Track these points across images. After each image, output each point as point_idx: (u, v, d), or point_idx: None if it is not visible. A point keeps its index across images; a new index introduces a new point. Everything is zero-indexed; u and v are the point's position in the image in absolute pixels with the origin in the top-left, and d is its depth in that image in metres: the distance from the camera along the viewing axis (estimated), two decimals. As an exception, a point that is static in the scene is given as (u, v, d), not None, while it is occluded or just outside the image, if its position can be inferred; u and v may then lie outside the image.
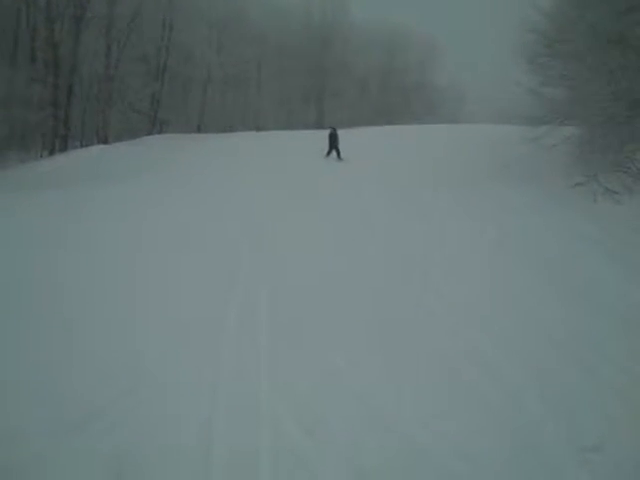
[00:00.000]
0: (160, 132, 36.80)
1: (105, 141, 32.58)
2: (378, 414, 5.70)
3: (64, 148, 31.29)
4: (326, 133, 24.26)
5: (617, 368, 6.45)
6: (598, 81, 14.84)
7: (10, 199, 15.67)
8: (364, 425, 5.52)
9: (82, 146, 31.94)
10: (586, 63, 15.38)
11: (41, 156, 30.82)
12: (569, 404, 5.80)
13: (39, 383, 6.17)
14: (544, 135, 16.75)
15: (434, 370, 6.53)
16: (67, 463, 4.98)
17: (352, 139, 24.64)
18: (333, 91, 47.66)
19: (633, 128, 14.46)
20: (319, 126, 43.30)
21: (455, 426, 5.49)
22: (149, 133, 35.77)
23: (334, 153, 23.04)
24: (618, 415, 5.59)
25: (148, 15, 34.98)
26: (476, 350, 7.02)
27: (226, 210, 14.22)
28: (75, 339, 7.23)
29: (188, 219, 13.27)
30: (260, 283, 9.29)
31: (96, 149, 29.23)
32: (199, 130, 39.44)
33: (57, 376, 6.30)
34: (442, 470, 4.93)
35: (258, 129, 37.93)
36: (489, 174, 17.46)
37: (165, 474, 4.88)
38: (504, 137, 20.40)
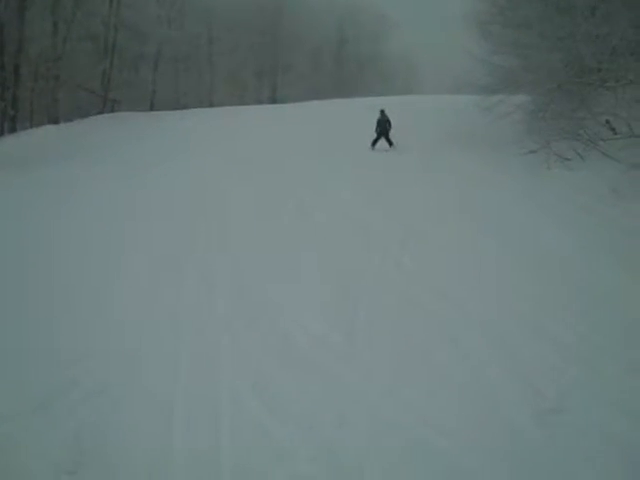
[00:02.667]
0: (112, 111, 36.17)
1: (56, 121, 31.95)
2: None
3: (13, 129, 30.61)
4: (276, 110, 21.95)
5: (557, 320, 6.75)
6: (548, 49, 15.01)
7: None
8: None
9: (32, 127, 31.24)
10: (536, 31, 15.53)
11: (-11, 138, 30.10)
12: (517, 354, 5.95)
13: None
14: (497, 104, 16.91)
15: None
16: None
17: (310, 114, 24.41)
18: (286, 65, 47.33)
19: (583, 95, 14.67)
20: (272, 101, 43.05)
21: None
22: (100, 112, 35.12)
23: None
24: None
25: (94, -9, 34.21)
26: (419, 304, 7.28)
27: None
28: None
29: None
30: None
31: (46, 130, 28.66)
32: (152, 108, 38.89)
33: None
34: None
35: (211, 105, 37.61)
36: (445, 144, 17.63)
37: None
38: (458, 107, 20.51)
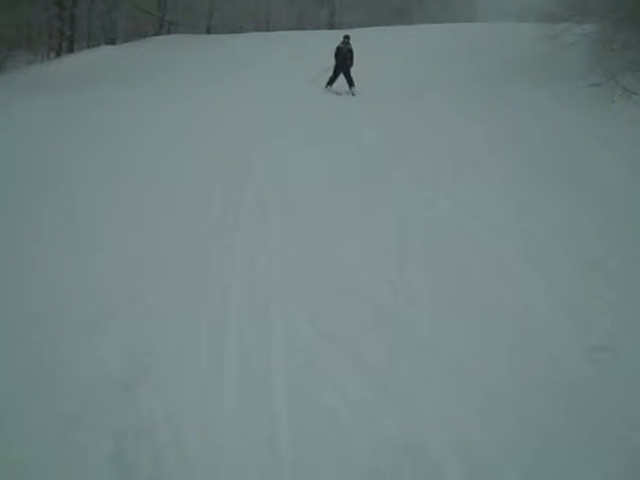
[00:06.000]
0: (168, 33, 35.90)
1: (112, 42, 31.91)
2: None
3: (71, 49, 30.67)
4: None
5: (618, 260, 6.56)
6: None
7: (16, 101, 15.29)
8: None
9: (89, 47, 31.26)
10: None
11: (48, 58, 30.26)
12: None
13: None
14: (562, 33, 16.18)
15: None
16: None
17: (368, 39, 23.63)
18: (345, -11, 46.09)
19: (655, 25, 13.96)
20: (330, 26, 42.14)
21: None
22: (157, 34, 34.91)
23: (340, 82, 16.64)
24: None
25: None
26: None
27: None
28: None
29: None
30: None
31: (103, 50, 28.61)
32: (208, 31, 38.46)
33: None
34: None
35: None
36: (505, 74, 17.05)
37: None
38: (521, 36, 19.78)
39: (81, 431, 4.17)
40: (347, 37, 16.93)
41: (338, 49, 16.69)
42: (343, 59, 16.50)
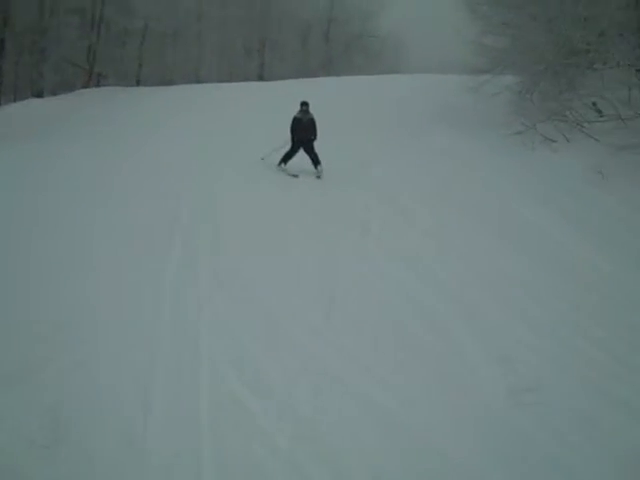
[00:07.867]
0: (98, 85, 35.73)
1: (40, 95, 31.54)
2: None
3: (-3, 103, 30.23)
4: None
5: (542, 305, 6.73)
6: (537, 30, 14.98)
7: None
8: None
9: (16, 100, 30.84)
10: (526, 12, 15.48)
11: (-27, 111, 29.72)
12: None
13: None
14: (485, 84, 16.83)
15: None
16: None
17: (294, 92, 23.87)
18: (274, 42, 46.83)
19: (570, 77, 14.68)
20: (260, 78, 42.69)
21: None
22: (86, 86, 34.69)
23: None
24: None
25: (82, -36, 33.70)
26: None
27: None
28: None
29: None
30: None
31: (30, 103, 28.23)
32: (138, 84, 38.44)
33: None
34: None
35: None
36: (430, 124, 17.49)
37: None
38: (445, 87, 20.41)
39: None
40: (305, 104, 13.72)
41: (296, 120, 13.57)
42: (304, 132, 13.44)
